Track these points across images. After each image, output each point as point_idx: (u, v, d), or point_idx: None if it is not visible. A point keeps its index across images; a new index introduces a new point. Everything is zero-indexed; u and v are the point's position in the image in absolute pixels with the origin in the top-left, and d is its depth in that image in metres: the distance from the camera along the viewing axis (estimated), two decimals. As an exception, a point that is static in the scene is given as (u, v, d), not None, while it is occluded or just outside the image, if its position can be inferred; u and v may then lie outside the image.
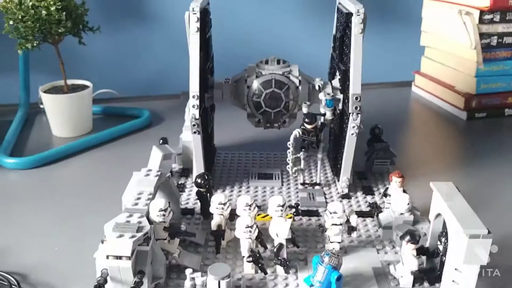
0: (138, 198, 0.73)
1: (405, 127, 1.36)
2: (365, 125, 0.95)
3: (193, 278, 0.67)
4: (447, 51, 1.43)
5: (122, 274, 0.64)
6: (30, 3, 1.06)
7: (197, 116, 0.84)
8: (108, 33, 1.47)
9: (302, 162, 0.95)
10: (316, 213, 0.88)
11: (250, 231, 0.71)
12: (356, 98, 0.84)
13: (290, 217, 0.84)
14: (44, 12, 1.06)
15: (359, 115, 0.84)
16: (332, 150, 1.02)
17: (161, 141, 1.01)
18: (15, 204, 0.94)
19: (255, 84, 0.91)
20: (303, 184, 0.98)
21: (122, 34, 1.56)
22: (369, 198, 0.94)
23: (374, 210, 0.88)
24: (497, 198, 0.96)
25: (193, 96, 0.83)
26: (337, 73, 0.96)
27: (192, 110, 0.83)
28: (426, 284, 0.71)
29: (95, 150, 1.16)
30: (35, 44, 1.11)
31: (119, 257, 0.63)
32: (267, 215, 0.81)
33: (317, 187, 0.97)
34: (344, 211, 0.74)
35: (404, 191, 0.85)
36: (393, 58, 1.67)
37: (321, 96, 0.91)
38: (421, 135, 1.31)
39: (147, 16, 1.57)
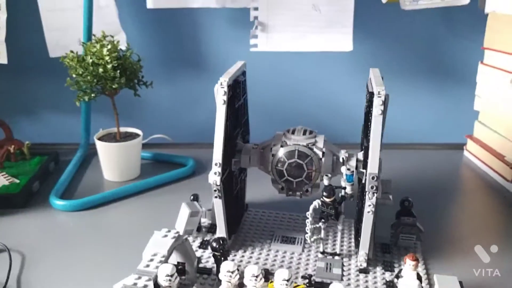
0: (151, 260, 0.79)
1: (448, 195, 1.32)
2: (402, 191, 0.95)
3: None
4: (499, 119, 1.39)
5: (125, 336, 0.70)
6: (91, 61, 1.18)
7: (218, 183, 0.89)
8: (165, 83, 1.57)
9: (323, 232, 0.97)
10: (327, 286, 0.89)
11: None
12: (373, 178, 0.85)
13: (303, 288, 0.86)
14: (101, 69, 1.17)
15: (375, 194, 0.85)
16: (356, 222, 1.02)
17: (191, 197, 1.07)
18: (55, 245, 1.03)
19: (280, 153, 0.95)
20: (322, 253, 0.98)
21: (179, 84, 1.67)
22: (387, 274, 0.93)
23: (387, 289, 0.87)
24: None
25: (216, 164, 0.88)
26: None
27: (213, 177, 0.88)
28: None
29: (140, 197, 1.25)
30: (91, 96, 1.22)
31: (121, 321, 0.69)
32: (299, 286, 0.84)
33: (336, 257, 0.98)
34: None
35: (418, 275, 0.83)
36: (445, 119, 1.63)
37: (343, 169, 0.93)
38: (462, 205, 1.27)
39: (203, 67, 1.67)
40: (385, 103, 0.84)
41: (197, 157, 1.45)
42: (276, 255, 0.99)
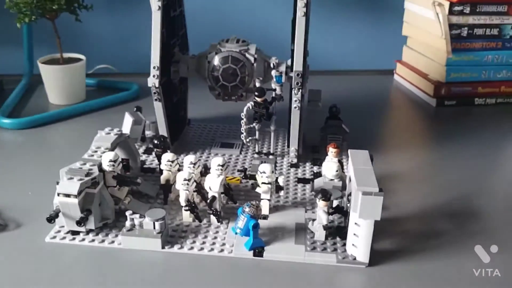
0: (95, 151, 0.85)
1: (379, 113, 1.43)
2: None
3: (132, 219, 0.78)
4: (424, 41, 1.50)
5: (71, 210, 0.77)
6: (27, -18, 1.19)
7: (157, 85, 0.95)
8: (108, 13, 1.58)
9: (257, 133, 1.05)
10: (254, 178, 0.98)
11: (187, 184, 0.82)
12: (298, 75, 0.93)
13: (238, 180, 0.95)
14: (39, -11, 1.18)
15: (300, 90, 0.94)
16: (288, 124, 1.11)
17: (135, 108, 1.12)
18: (4, 159, 1.07)
19: (215, 61, 1.02)
20: (258, 153, 1.08)
21: (121, 13, 1.68)
22: (316, 168, 1.04)
23: (310, 179, 0.97)
24: (439, 174, 1.05)
25: (154, 67, 0.94)
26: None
27: (152, 80, 0.95)
28: (338, 238, 0.80)
29: (85, 117, 1.29)
30: (32, 19, 1.23)
31: (68, 195, 0.75)
32: (235, 178, 0.93)
33: (270, 157, 1.07)
34: (273, 172, 0.84)
35: (340, 161, 0.94)
36: (377, 46, 1.74)
37: (273, 73, 1.01)
38: (390, 120, 1.39)
39: None
40: (307, 6, 0.92)
41: (142, 84, 1.49)
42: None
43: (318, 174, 0.99)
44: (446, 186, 0.99)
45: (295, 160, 1.04)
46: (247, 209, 0.77)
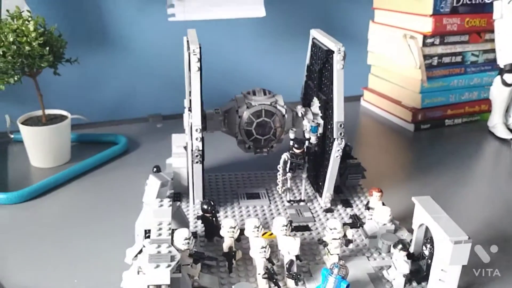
0: (160, 229, 0.80)
1: (359, 140, 1.50)
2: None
3: (221, 298, 0.74)
4: (392, 70, 1.60)
5: (161, 301, 0.71)
6: (11, 39, 1.07)
7: (200, 148, 0.91)
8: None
9: (289, 181, 1.05)
10: (307, 228, 0.99)
11: (264, 251, 0.80)
12: (340, 125, 0.95)
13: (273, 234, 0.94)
14: (28, 48, 1.08)
15: (343, 140, 0.96)
16: (312, 169, 1.12)
17: (155, 169, 1.06)
18: (15, 241, 0.95)
19: (246, 114, 1.00)
20: (289, 201, 1.08)
21: (85, 61, 1.58)
22: (348, 210, 1.06)
23: (356, 222, 1.00)
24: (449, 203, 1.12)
25: (196, 130, 0.90)
26: (314, 100, 1.07)
27: (195, 143, 0.91)
28: (414, 284, 0.83)
29: (82, 179, 1.19)
30: (16, 79, 1.12)
31: (159, 286, 0.70)
32: (270, 233, 0.91)
33: (301, 203, 1.08)
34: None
35: (383, 204, 0.97)
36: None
37: (305, 123, 1.02)
38: (375, 147, 1.46)
39: (109, 43, 1.60)
40: (344, 59, 0.94)
41: (121, 133, 1.42)
42: (248, 211, 1.05)
43: (355, 217, 1.01)
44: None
45: (329, 205, 1.06)
46: (336, 271, 0.77)
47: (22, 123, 1.21)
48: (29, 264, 0.88)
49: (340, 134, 0.96)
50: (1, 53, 1.08)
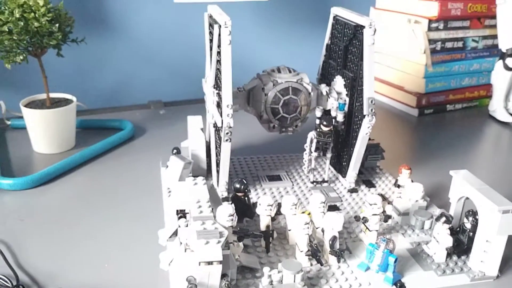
0: (200, 206, 0.76)
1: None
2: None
3: (269, 276, 0.71)
4: (394, 55, 1.60)
5: (211, 279, 0.67)
6: (18, 15, 1.01)
7: (232, 125, 0.88)
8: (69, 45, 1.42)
9: (313, 162, 1.03)
10: (337, 208, 0.97)
11: (308, 227, 0.77)
12: (371, 101, 0.94)
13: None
14: (36, 24, 1.02)
15: (373, 116, 0.94)
16: (334, 149, 1.10)
17: (174, 151, 1.02)
18: (32, 227, 0.90)
19: (272, 92, 0.97)
20: (313, 182, 1.05)
21: (82, 45, 1.51)
22: (372, 190, 1.05)
23: (386, 200, 0.98)
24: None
25: (227, 106, 0.87)
26: (336, 79, 1.05)
27: (226, 119, 0.87)
28: (454, 257, 0.82)
29: (91, 165, 1.13)
30: (22, 58, 1.05)
31: (210, 263, 0.66)
32: (307, 211, 0.88)
33: (325, 184, 1.06)
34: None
35: (412, 181, 0.97)
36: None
37: (332, 101, 1.00)
38: (381, 132, 1.45)
39: (108, 28, 1.54)
40: (374, 33, 0.93)
41: (124, 119, 1.36)
42: (272, 192, 1.03)
43: (382, 196, 1.00)
44: None
45: (353, 185, 1.04)
46: (383, 245, 0.76)
47: (25, 106, 1.14)
48: (52, 251, 0.82)
49: (371, 110, 0.94)
50: (7, 30, 1.01)
